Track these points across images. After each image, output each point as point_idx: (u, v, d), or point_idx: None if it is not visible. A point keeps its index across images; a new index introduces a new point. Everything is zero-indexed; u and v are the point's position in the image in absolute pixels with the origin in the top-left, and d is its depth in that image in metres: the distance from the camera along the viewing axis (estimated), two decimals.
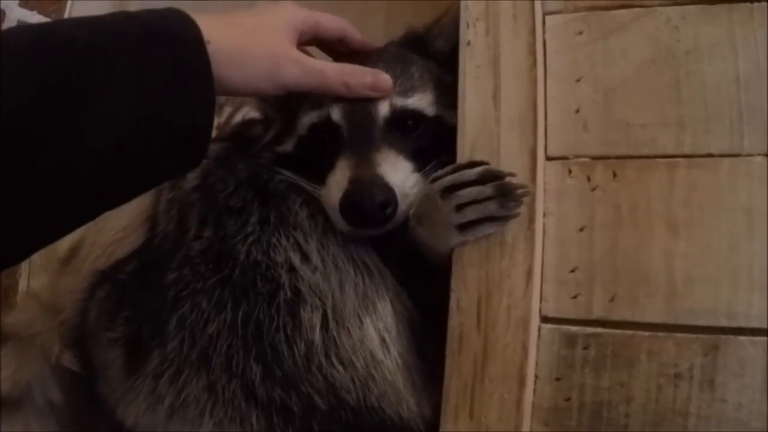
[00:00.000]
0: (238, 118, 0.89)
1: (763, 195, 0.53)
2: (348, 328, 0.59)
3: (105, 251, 0.80)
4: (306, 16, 0.62)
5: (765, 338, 0.52)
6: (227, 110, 0.96)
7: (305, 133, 0.69)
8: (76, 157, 0.44)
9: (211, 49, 0.49)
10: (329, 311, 0.59)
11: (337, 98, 0.64)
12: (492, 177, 0.55)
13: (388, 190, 0.59)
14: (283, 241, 0.61)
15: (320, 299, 0.59)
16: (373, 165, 0.61)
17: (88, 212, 0.49)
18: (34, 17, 1.17)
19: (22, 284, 1.01)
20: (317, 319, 0.59)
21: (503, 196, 0.54)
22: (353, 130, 0.65)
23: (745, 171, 0.53)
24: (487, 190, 0.55)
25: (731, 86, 0.55)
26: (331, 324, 0.59)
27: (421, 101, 0.67)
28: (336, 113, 0.65)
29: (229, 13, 0.56)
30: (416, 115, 0.66)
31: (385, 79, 0.64)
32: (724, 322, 0.53)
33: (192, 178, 0.68)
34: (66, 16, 1.30)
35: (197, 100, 0.49)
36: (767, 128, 0.53)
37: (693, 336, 0.53)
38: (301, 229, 0.62)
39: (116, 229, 0.78)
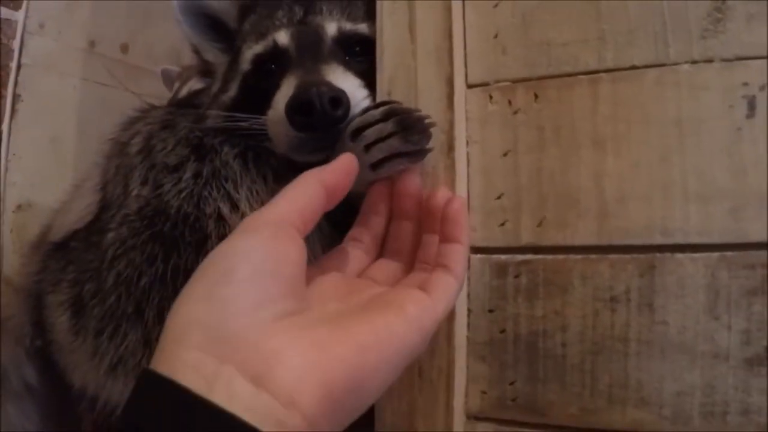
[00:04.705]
0: (184, 91, 0.89)
1: (692, 104, 0.50)
2: None
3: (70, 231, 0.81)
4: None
5: (704, 254, 0.49)
6: (176, 85, 0.97)
7: (249, 67, 0.68)
8: None
9: None
10: None
11: (284, 23, 0.64)
12: (394, 113, 0.54)
13: (338, 90, 0.57)
14: (214, 193, 0.61)
15: None
16: (320, 73, 0.60)
17: None
18: None
19: None
20: None
21: (405, 130, 0.52)
22: (301, 48, 0.64)
23: (671, 80, 0.51)
24: (388, 126, 0.53)
25: None
26: None
27: (370, 30, 0.65)
28: (282, 37, 0.66)
29: None
30: (363, 41, 0.65)
31: None
32: (659, 240, 0.50)
33: (137, 143, 0.69)
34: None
35: None
36: (692, 35, 0.51)
37: (628, 256, 0.51)
38: (231, 180, 0.61)
39: (80, 208, 0.80)
